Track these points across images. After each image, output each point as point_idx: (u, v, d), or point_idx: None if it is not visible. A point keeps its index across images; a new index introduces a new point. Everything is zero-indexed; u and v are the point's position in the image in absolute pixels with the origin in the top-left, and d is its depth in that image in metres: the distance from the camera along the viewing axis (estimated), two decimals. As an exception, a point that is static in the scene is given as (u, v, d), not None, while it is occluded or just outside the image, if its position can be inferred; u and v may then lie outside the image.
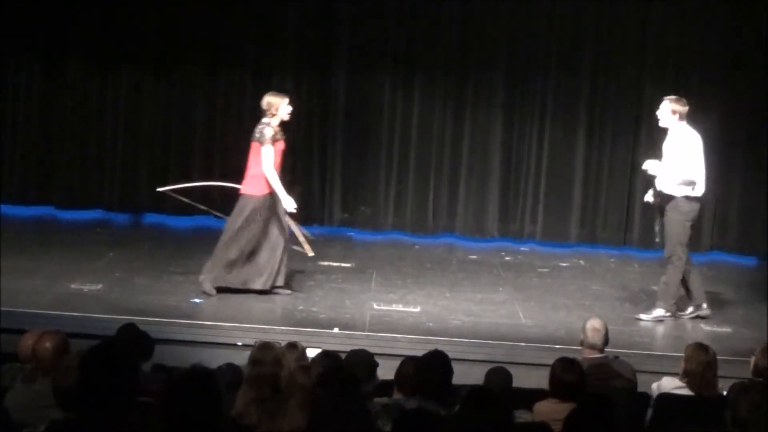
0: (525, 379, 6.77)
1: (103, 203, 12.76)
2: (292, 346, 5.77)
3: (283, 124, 9.32)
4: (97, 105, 12.76)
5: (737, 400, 4.47)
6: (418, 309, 9.30)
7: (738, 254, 12.48)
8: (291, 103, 9.33)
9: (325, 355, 5.97)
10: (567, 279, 10.88)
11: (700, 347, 6.27)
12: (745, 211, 12.54)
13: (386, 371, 5.99)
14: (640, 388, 6.47)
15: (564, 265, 11.59)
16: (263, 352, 5.31)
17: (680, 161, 9.14)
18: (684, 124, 9.25)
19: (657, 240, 9.50)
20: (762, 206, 12.25)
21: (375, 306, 9.29)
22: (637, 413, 6.13)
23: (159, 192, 10.24)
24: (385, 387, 5.85)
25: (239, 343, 8.13)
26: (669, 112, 9.23)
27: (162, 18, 12.49)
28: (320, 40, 12.63)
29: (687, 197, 9.18)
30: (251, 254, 9.22)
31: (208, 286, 9.22)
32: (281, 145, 9.28)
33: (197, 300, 9.17)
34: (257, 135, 9.20)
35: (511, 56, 12.59)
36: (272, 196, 9.19)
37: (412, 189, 12.71)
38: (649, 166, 9.27)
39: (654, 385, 6.37)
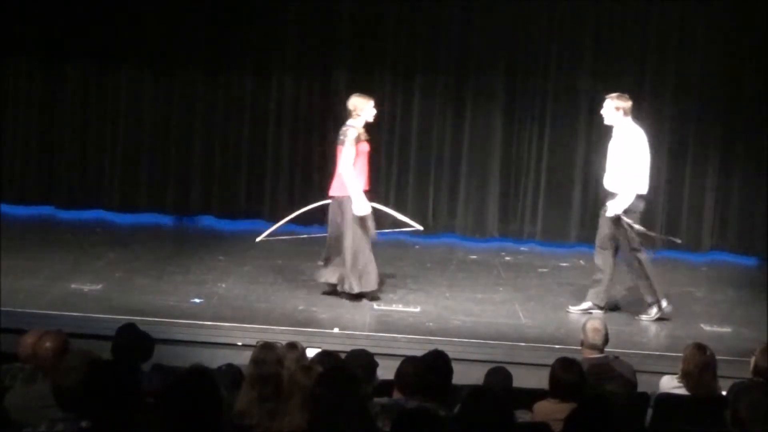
0: (525, 379, 6.77)
1: (103, 203, 12.77)
2: (292, 346, 5.77)
3: (368, 126, 9.32)
4: (97, 105, 12.76)
5: (737, 400, 4.48)
6: (418, 309, 9.30)
7: (738, 254, 12.48)
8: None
9: (325, 355, 5.97)
10: (567, 279, 10.88)
11: (699, 348, 6.24)
12: (745, 211, 12.53)
13: (386, 371, 5.98)
14: (640, 388, 6.46)
15: (564, 265, 11.59)
16: (265, 352, 5.32)
17: (627, 158, 9.14)
18: (629, 120, 9.28)
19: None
20: (762, 206, 12.25)
21: (375, 306, 9.28)
22: (637, 413, 6.12)
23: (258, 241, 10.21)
24: (385, 387, 5.85)
25: (239, 343, 8.14)
26: (613, 109, 9.27)
27: (162, 18, 12.49)
28: (320, 40, 12.63)
29: (636, 195, 9.18)
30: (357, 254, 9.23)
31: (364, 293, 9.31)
32: (365, 146, 9.27)
33: (197, 300, 9.17)
34: (341, 137, 9.22)
35: (511, 56, 12.59)
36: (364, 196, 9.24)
37: (412, 189, 12.71)
38: (613, 208, 9.25)
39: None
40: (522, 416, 5.55)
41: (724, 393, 6.08)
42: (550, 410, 5.56)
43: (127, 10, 12.41)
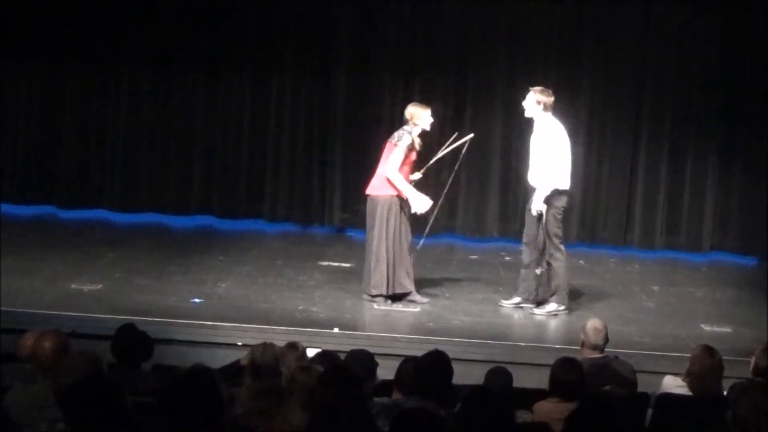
0: (525, 379, 6.76)
1: (103, 203, 12.77)
2: (292, 346, 5.77)
3: (423, 134, 9.27)
4: (97, 105, 12.77)
5: (737, 400, 4.49)
6: (418, 309, 9.30)
7: (738, 254, 12.47)
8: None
9: (325, 355, 5.97)
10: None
11: (707, 350, 6.20)
12: (745, 211, 12.53)
13: (386, 371, 5.98)
14: (640, 388, 6.46)
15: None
16: (265, 352, 5.32)
17: (546, 153, 9.11)
18: (549, 115, 9.25)
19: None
20: (762, 206, 12.25)
21: (375, 306, 9.28)
22: (637, 413, 6.12)
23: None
24: (385, 387, 5.85)
25: (239, 343, 8.13)
26: (534, 102, 9.25)
27: (162, 18, 12.49)
28: (320, 40, 12.63)
29: (555, 190, 9.13)
30: (387, 256, 9.22)
31: (385, 303, 9.23)
32: (414, 156, 9.22)
33: (197, 300, 9.17)
34: (395, 138, 9.16)
35: (511, 56, 12.59)
36: (399, 198, 9.18)
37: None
38: (535, 206, 9.18)
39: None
40: (522, 416, 5.55)
41: (724, 393, 6.08)
42: (550, 410, 5.56)
43: (127, 10, 12.41)
